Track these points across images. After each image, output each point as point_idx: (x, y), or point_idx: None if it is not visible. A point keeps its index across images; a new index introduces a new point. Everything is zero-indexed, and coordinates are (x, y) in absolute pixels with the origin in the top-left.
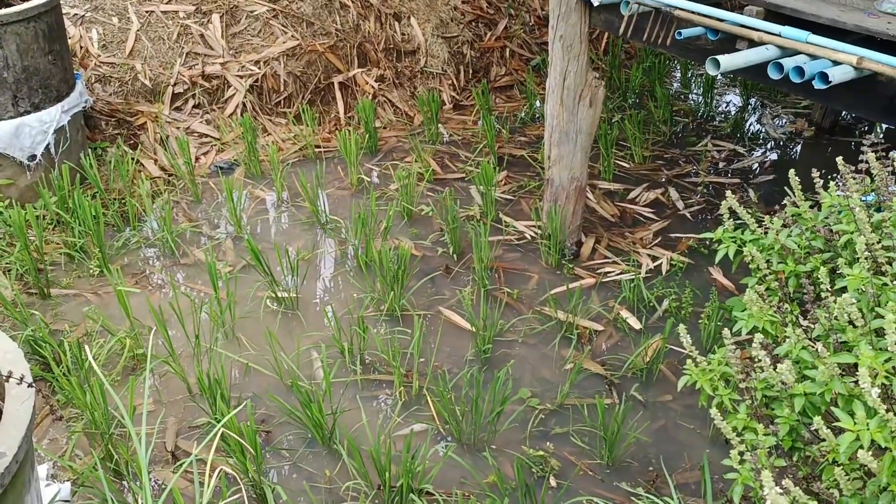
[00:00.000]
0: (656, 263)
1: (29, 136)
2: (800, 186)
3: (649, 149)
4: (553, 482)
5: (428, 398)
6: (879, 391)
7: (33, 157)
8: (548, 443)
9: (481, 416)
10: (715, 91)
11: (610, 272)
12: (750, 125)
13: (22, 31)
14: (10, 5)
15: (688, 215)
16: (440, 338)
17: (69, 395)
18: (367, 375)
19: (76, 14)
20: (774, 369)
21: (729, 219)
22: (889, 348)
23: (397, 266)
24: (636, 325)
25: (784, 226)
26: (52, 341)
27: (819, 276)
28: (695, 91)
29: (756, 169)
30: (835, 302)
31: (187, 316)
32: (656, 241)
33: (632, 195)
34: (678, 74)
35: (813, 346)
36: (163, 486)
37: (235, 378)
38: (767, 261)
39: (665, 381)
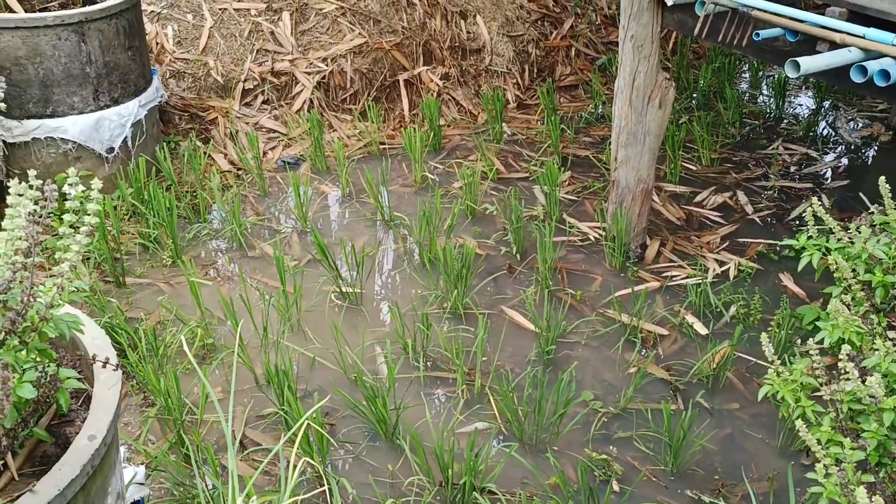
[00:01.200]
0: (723, 268)
1: (108, 130)
2: (889, 194)
3: (717, 151)
4: (616, 486)
5: (490, 397)
6: None
7: (111, 149)
8: (611, 446)
9: (544, 416)
10: (787, 93)
11: (675, 276)
12: (823, 129)
13: (104, 27)
14: (94, 2)
15: (757, 220)
16: (503, 337)
17: (144, 380)
18: (430, 372)
19: (153, 11)
20: (863, 382)
21: (814, 225)
22: None
23: (461, 264)
24: (702, 330)
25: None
26: (127, 328)
27: None
28: (765, 93)
29: (829, 174)
30: None
31: (255, 308)
32: (723, 246)
33: (698, 198)
34: (748, 75)
35: None
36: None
37: (300, 370)
38: (853, 270)
39: (732, 388)
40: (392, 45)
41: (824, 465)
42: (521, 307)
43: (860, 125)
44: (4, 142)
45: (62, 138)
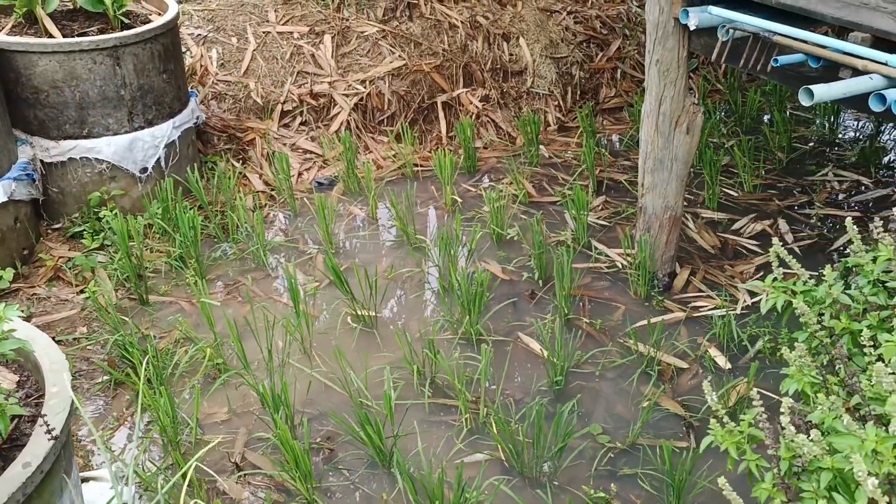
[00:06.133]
0: (755, 300)
1: (141, 150)
2: (858, 236)
3: (761, 177)
4: None
5: (493, 427)
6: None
7: (145, 169)
8: (612, 484)
9: (543, 449)
10: (843, 117)
11: (702, 306)
12: (882, 154)
13: (139, 51)
14: (130, 27)
15: (797, 250)
16: (515, 365)
17: (147, 402)
18: (435, 399)
19: (199, 34)
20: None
21: (778, 266)
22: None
23: (475, 289)
24: (724, 364)
25: (845, 276)
26: (138, 347)
27: (862, 337)
28: (819, 116)
29: (872, 200)
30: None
31: (270, 329)
32: (757, 276)
33: (736, 226)
34: None
35: (856, 415)
36: (223, 494)
37: (308, 393)
38: (820, 315)
39: None
40: (431, 67)
41: None
42: (537, 335)
43: None
44: (42, 161)
45: (97, 158)
